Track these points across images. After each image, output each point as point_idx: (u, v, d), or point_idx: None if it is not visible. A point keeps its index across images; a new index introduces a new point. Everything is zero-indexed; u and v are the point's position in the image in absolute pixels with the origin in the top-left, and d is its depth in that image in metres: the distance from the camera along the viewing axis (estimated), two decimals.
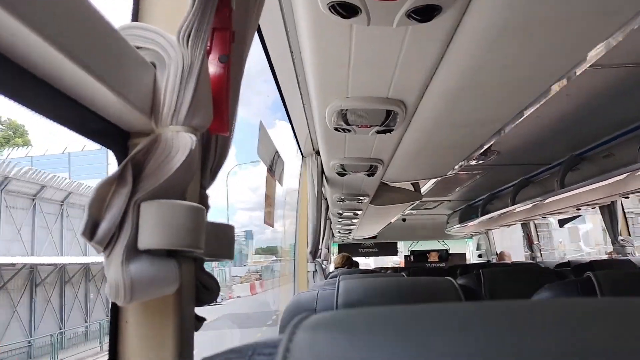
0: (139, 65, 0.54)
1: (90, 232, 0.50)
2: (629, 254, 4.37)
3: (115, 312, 0.60)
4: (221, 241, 0.69)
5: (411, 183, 3.74)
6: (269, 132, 2.15)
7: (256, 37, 1.47)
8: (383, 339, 0.28)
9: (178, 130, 0.56)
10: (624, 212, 4.50)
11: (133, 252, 0.52)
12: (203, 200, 0.70)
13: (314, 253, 2.96)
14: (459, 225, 6.79)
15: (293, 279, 3.20)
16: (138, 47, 0.56)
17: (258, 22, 0.78)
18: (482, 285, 1.84)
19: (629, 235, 4.55)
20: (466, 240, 8.83)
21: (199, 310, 0.70)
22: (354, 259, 6.98)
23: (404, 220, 7.73)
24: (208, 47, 0.64)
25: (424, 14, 0.94)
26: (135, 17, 0.65)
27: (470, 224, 6.38)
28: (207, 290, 0.70)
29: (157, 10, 0.66)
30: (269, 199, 2.20)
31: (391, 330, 0.29)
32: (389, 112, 1.53)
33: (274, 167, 2.24)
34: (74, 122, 0.51)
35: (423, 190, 4.32)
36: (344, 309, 0.34)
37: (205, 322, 0.71)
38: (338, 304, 1.05)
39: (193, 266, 0.66)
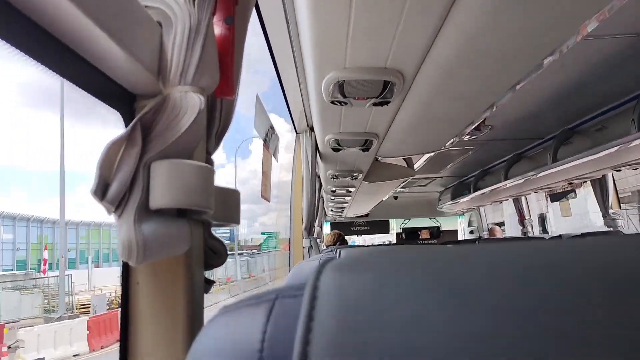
0: (147, 24, 0.53)
1: (101, 192, 0.50)
2: (620, 226, 4.43)
3: (126, 274, 0.60)
4: (228, 205, 0.69)
5: (404, 159, 3.75)
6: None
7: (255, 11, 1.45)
8: (410, 276, 0.28)
9: (186, 90, 0.56)
10: (615, 186, 4.55)
11: (144, 212, 0.52)
12: (209, 164, 0.70)
13: (309, 229, 2.97)
14: (450, 202, 6.82)
15: (289, 254, 3.22)
16: (145, 6, 0.55)
17: None
18: None
19: (620, 208, 4.61)
20: (458, 217, 8.89)
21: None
22: (346, 237, 7.02)
23: (395, 198, 7.76)
24: (213, 8, 0.63)
25: None
26: None
27: (462, 200, 6.41)
28: (215, 254, 0.70)
29: None
30: (266, 174, 2.20)
31: (418, 268, 0.29)
32: (386, 83, 1.52)
33: (269, 141, 2.24)
34: (81, 79, 0.51)
35: (416, 167, 4.34)
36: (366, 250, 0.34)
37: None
38: None
39: (202, 229, 0.67)
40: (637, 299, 0.24)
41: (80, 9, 0.41)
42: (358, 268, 0.30)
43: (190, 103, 0.55)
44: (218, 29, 0.63)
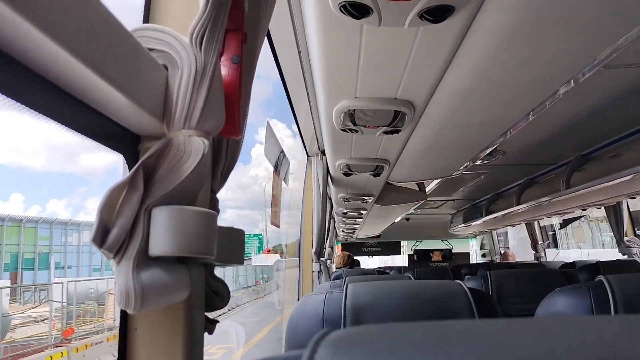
0: (151, 68, 0.53)
1: (100, 238, 0.49)
2: (634, 254, 4.35)
3: (124, 320, 0.59)
4: (231, 246, 0.68)
5: (416, 183, 3.73)
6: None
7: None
8: (407, 357, 0.27)
9: (190, 134, 0.55)
10: (630, 212, 4.48)
11: (144, 258, 0.51)
12: (213, 204, 0.69)
13: (319, 253, 2.95)
14: (462, 225, 6.77)
15: (298, 278, 3.20)
16: (150, 49, 0.55)
17: (269, 23, 0.77)
18: (490, 287, 1.82)
19: (635, 235, 4.53)
20: (469, 239, 8.82)
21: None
22: (356, 257, 6.99)
23: (407, 219, 7.72)
24: (220, 49, 0.63)
25: (436, 15, 0.93)
26: (147, 18, 0.64)
27: (474, 223, 6.36)
28: (217, 296, 0.68)
29: (169, 12, 0.65)
30: (275, 199, 2.19)
31: (415, 348, 0.28)
32: (397, 113, 1.52)
33: (280, 167, 2.23)
34: (83, 126, 0.50)
35: (427, 190, 4.31)
36: (364, 325, 0.32)
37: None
38: (346, 307, 1.04)
39: (203, 272, 0.65)
40: None
41: (84, 63, 0.40)
42: (355, 345, 0.29)
43: (194, 147, 0.54)
44: (225, 69, 0.63)
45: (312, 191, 2.84)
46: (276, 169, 2.17)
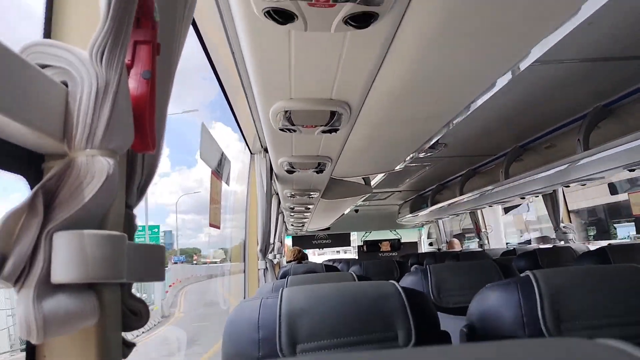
0: (46, 86, 0.50)
1: None
2: (570, 240, 4.56)
3: (31, 348, 0.56)
4: (149, 263, 0.66)
5: (361, 177, 3.77)
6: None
7: (196, 37, 1.42)
8: None
9: (93, 154, 0.52)
10: (565, 200, 4.69)
11: (46, 286, 0.49)
12: (129, 220, 0.66)
13: (264, 251, 2.93)
14: (410, 215, 6.91)
15: (244, 277, 3.17)
16: (46, 66, 0.52)
17: (187, 32, 0.75)
18: (430, 282, 1.87)
19: (570, 222, 4.75)
20: (417, 229, 9.01)
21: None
22: (308, 250, 7.01)
23: (356, 211, 7.82)
24: (129, 62, 0.61)
25: (361, 21, 0.93)
26: (48, 34, 0.61)
27: (420, 213, 6.51)
28: (135, 316, 0.66)
29: (72, 26, 0.62)
30: (215, 200, 2.16)
31: None
32: (333, 113, 1.52)
33: (220, 169, 2.20)
34: None
35: (374, 182, 4.37)
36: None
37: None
38: (281, 313, 1.04)
39: (119, 292, 0.63)
40: None
41: None
42: None
43: (97, 167, 0.52)
44: (134, 83, 0.60)
45: (256, 189, 2.82)
46: (215, 170, 2.13)
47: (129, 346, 0.66)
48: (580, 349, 0.31)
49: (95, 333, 0.57)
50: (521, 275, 1.16)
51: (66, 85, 0.53)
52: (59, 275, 0.49)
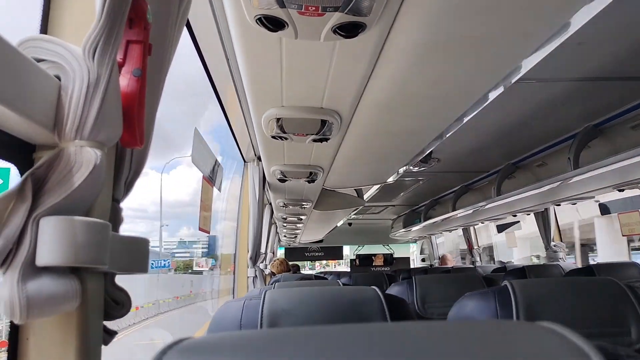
0: (40, 79, 0.52)
1: None
2: (560, 259, 4.58)
3: (15, 329, 0.58)
4: (134, 255, 0.68)
5: (354, 189, 3.79)
6: None
7: (191, 42, 1.46)
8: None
9: (82, 145, 0.55)
10: (557, 219, 4.72)
11: (30, 269, 0.51)
12: (115, 213, 0.69)
13: (255, 258, 2.95)
14: (403, 230, 6.93)
15: (233, 284, 3.18)
16: (41, 60, 0.55)
17: (180, 35, 0.78)
18: (415, 292, 1.89)
19: (561, 240, 4.77)
20: (410, 244, 9.02)
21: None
22: (299, 262, 6.96)
23: (349, 224, 7.82)
24: (121, 60, 0.63)
25: (349, 30, 0.96)
26: (45, 29, 0.64)
27: (413, 228, 6.53)
28: (117, 305, 0.68)
29: (66, 23, 0.65)
30: (205, 205, 2.18)
31: (253, 355, 0.30)
32: (324, 122, 1.55)
33: (213, 175, 2.22)
34: None
35: (367, 195, 4.39)
36: (222, 333, 0.35)
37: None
38: (263, 314, 1.06)
39: (102, 280, 0.65)
40: None
41: None
42: (198, 354, 0.31)
43: (85, 158, 0.55)
44: (125, 80, 0.63)
45: (248, 197, 2.84)
46: (207, 176, 2.16)
47: (110, 334, 0.68)
48: (520, 330, 0.34)
49: (77, 317, 0.59)
50: (500, 285, 1.18)
51: (59, 79, 0.56)
52: (43, 258, 0.51)
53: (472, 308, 1.15)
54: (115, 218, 0.69)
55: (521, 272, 3.33)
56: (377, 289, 1.14)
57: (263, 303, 1.07)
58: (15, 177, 0.59)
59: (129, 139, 0.64)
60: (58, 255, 0.51)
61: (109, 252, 0.58)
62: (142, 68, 0.65)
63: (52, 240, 0.51)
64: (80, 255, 0.52)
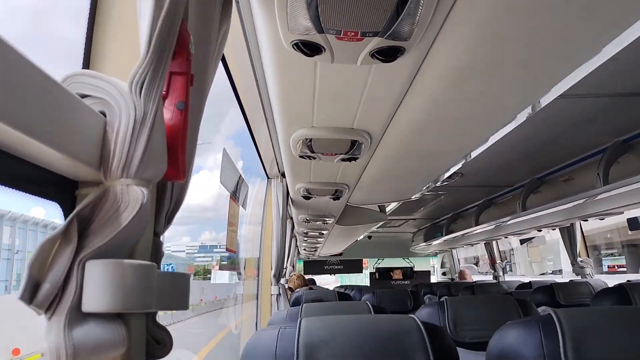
0: (85, 115, 0.51)
1: (29, 294, 0.47)
2: (587, 274, 4.47)
3: None
4: (175, 292, 0.66)
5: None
6: None
7: (222, 65, 1.45)
8: None
9: (128, 183, 0.53)
10: (583, 234, 4.62)
11: (76, 315, 0.49)
12: (157, 248, 0.67)
13: (278, 276, 2.92)
14: (423, 244, 6.85)
15: (256, 302, 3.14)
16: (86, 96, 0.53)
17: (219, 61, 0.76)
18: (447, 315, 1.84)
19: (588, 256, 4.67)
20: (431, 257, 8.92)
21: None
22: (318, 276, 6.91)
23: (369, 237, 7.76)
24: (164, 92, 0.62)
25: (387, 55, 0.94)
26: (87, 64, 0.62)
27: (434, 242, 6.45)
28: (159, 345, 0.66)
29: (110, 57, 0.63)
30: (232, 225, 2.16)
31: None
32: (354, 142, 1.53)
33: (238, 194, 2.21)
34: (10, 177, 0.48)
35: (388, 209, 4.35)
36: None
37: None
38: (299, 344, 1.02)
39: (144, 321, 0.63)
40: None
41: (11, 126, 0.38)
42: None
43: (132, 197, 0.52)
44: (169, 114, 0.61)
45: (272, 213, 2.82)
46: (233, 195, 2.15)
47: None
48: None
49: None
50: (543, 314, 1.14)
51: (104, 115, 0.54)
52: (90, 304, 0.49)
53: (516, 337, 1.10)
54: (157, 254, 0.66)
55: (549, 290, 3.25)
56: (417, 319, 1.11)
57: (299, 333, 1.04)
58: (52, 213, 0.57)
59: (172, 173, 0.62)
60: (107, 302, 0.49)
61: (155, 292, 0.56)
62: (186, 100, 0.63)
63: (99, 285, 0.49)
64: (128, 300, 0.50)
